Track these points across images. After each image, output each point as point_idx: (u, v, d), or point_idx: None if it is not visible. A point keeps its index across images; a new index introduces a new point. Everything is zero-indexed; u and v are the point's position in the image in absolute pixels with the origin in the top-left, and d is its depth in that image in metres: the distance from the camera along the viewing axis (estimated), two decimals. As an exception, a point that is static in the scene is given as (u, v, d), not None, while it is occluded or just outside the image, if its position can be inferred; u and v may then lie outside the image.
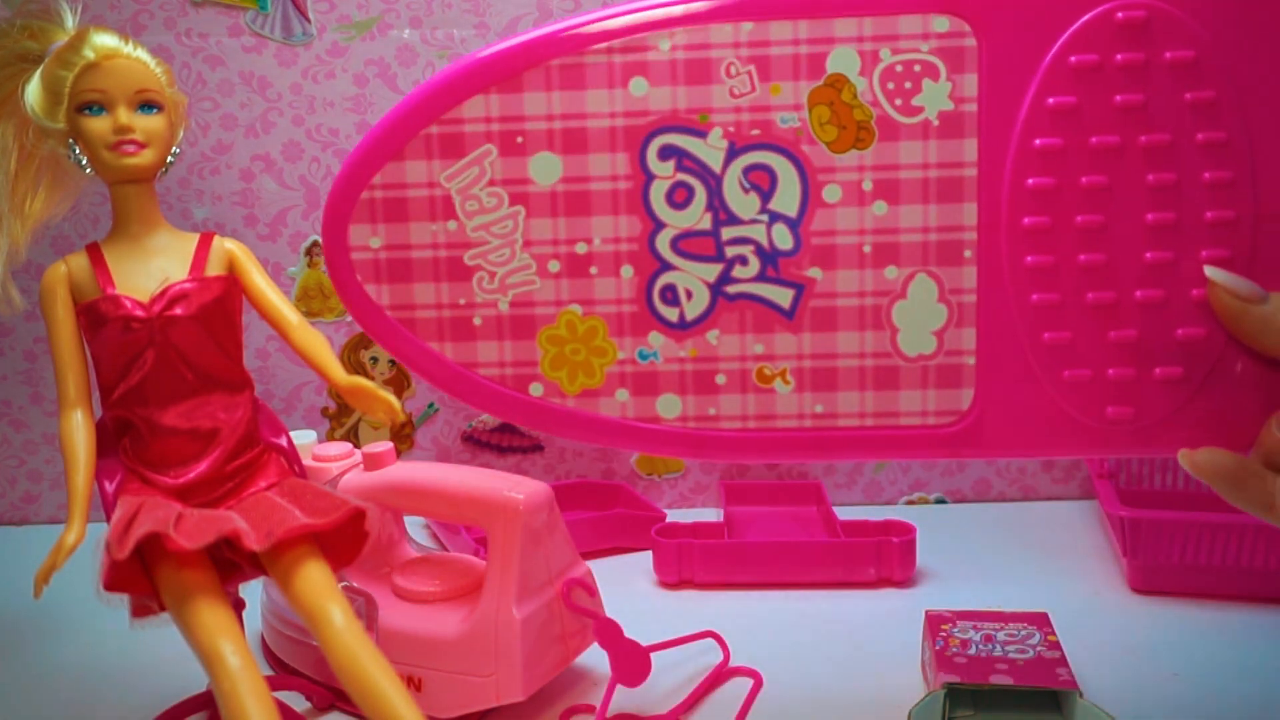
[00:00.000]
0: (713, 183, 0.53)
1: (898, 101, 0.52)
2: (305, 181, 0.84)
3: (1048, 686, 0.56)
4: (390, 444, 0.64)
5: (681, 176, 0.53)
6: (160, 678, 0.64)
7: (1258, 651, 0.66)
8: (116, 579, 0.50)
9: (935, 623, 0.63)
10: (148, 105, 0.53)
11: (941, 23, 0.51)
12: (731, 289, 0.54)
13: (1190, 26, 0.50)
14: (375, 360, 0.87)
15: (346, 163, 0.55)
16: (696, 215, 0.53)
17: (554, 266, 0.54)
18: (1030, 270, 0.52)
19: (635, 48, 0.53)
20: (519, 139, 0.54)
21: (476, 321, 0.55)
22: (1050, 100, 0.51)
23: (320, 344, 0.55)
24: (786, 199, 0.53)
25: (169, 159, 0.54)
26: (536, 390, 0.55)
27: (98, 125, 0.52)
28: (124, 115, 0.52)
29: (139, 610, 0.52)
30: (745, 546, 0.76)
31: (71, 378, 0.53)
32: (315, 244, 0.85)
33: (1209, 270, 0.50)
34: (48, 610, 0.71)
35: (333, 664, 0.49)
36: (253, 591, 0.60)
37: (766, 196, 0.53)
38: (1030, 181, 0.51)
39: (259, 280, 0.55)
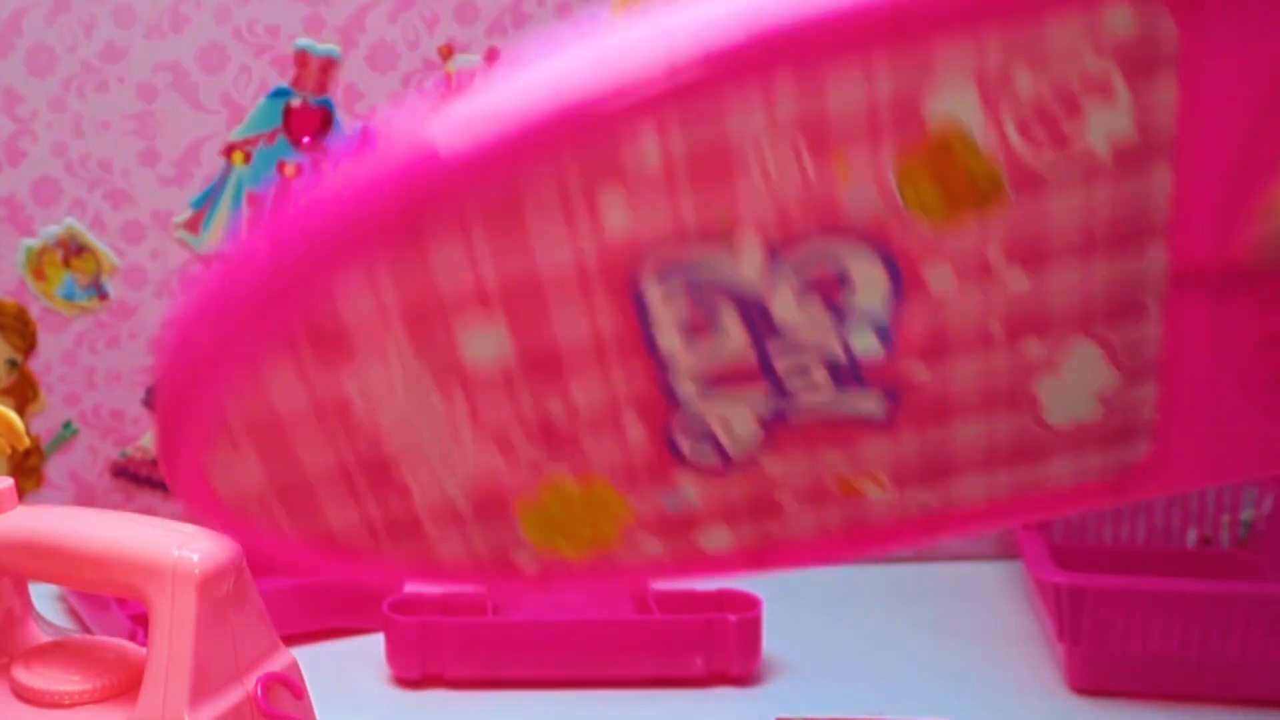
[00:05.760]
0: (747, 299, 0.41)
1: (1041, 135, 0.40)
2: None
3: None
4: (8, 481, 0.54)
5: (697, 300, 0.41)
6: None
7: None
8: None
9: (785, 736, 0.54)
10: None
11: (1121, 18, 0.38)
12: (793, 415, 0.43)
13: None
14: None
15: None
16: (728, 340, 0.41)
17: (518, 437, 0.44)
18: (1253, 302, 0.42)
19: (596, 155, 0.38)
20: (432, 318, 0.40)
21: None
22: None
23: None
24: (868, 298, 0.42)
25: None
26: (528, 564, 0.45)
27: None
28: None
29: None
30: (516, 627, 0.67)
31: None
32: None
33: None
34: None
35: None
36: None
37: (836, 305, 0.41)
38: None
39: None
